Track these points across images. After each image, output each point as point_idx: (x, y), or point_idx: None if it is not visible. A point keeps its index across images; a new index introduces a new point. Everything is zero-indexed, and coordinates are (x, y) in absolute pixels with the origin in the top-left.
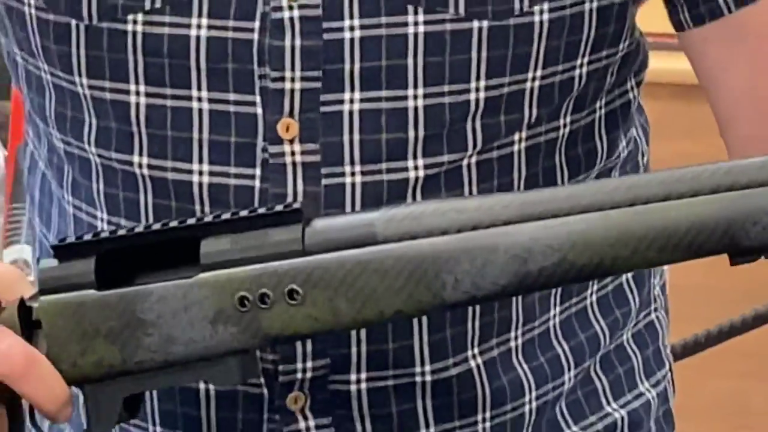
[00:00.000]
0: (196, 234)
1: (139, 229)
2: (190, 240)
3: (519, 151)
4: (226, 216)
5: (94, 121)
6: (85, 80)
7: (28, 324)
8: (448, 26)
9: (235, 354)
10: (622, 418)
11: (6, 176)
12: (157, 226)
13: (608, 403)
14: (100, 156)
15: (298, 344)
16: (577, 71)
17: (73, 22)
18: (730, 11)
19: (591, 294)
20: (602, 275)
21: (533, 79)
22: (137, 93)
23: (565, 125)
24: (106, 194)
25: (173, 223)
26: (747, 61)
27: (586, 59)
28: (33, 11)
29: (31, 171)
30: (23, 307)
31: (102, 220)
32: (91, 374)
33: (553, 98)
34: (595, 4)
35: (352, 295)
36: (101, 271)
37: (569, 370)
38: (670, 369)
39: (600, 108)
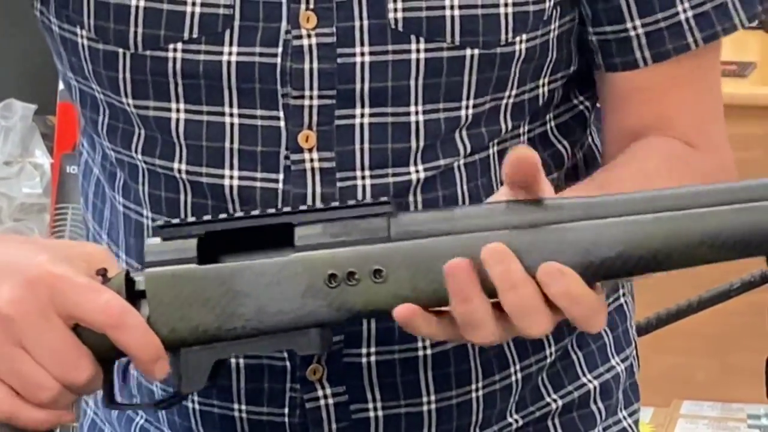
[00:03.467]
0: (291, 221)
1: (238, 214)
2: (284, 226)
3: (493, 155)
4: (319, 206)
5: (142, 132)
6: (131, 100)
7: (131, 293)
8: (445, 54)
9: (319, 326)
10: (595, 388)
11: (52, 181)
12: (254, 213)
13: (584, 374)
14: (146, 162)
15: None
16: (541, 90)
17: (120, 50)
18: (646, 63)
19: None
20: (656, 269)
21: (509, 96)
22: (177, 110)
23: (523, 133)
24: (151, 194)
25: (270, 210)
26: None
27: (547, 79)
28: (85, 42)
29: (85, 176)
30: (128, 278)
31: (147, 217)
32: (187, 339)
33: (523, 112)
34: (555, 33)
35: (431, 276)
36: (202, 249)
37: (550, 346)
38: (636, 347)
39: (550, 120)
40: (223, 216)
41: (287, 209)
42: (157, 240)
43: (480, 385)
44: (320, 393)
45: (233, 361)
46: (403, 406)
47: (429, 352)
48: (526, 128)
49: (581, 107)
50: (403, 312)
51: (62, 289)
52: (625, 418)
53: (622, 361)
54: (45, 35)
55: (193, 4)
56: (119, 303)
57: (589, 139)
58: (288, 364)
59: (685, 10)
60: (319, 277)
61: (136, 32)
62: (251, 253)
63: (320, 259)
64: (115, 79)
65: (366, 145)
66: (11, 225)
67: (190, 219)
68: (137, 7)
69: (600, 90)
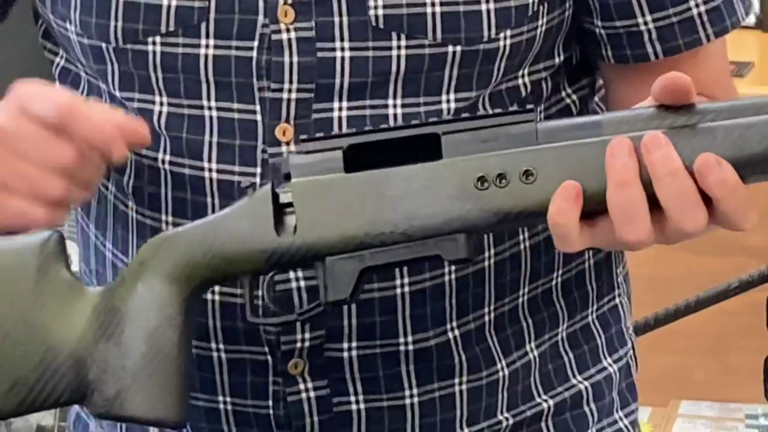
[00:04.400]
0: (436, 131)
1: (383, 126)
2: (430, 137)
3: None
4: (465, 115)
5: None
6: (118, 93)
7: (277, 206)
8: (427, 50)
9: (467, 231)
10: (587, 389)
11: None
12: (399, 125)
13: (574, 375)
14: (135, 154)
15: (296, 299)
16: (521, 80)
17: (103, 44)
18: (657, 57)
19: (556, 277)
20: None
21: (490, 89)
22: (160, 103)
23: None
24: (135, 187)
25: (414, 122)
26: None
27: (527, 70)
28: (75, 36)
29: None
30: (274, 192)
31: (132, 209)
32: (334, 247)
33: (503, 103)
34: (543, 28)
35: (583, 176)
36: (347, 161)
37: (530, 341)
38: (633, 347)
39: (540, 112)
40: (367, 128)
41: (432, 119)
42: (301, 155)
43: (464, 379)
44: (302, 387)
45: (215, 354)
46: (385, 400)
47: (411, 347)
48: None
49: (568, 101)
50: (566, 191)
51: (24, 97)
52: (621, 418)
53: (615, 362)
54: (45, 33)
55: None
56: (66, 95)
57: None
58: (269, 358)
59: (697, 5)
60: (469, 180)
61: (116, 26)
62: (400, 164)
63: (470, 163)
64: (104, 72)
65: None
66: None
67: (334, 132)
68: (117, 1)
69: (609, 74)
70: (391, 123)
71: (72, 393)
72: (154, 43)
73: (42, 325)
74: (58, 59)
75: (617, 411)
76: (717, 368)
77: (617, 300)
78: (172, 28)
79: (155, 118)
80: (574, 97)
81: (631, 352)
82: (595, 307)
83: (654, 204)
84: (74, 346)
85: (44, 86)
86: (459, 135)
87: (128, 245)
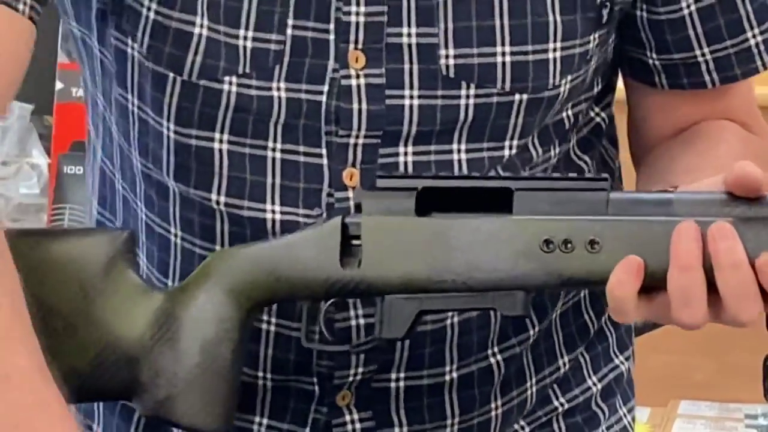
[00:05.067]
0: (510, 186)
1: (457, 173)
2: (503, 190)
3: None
4: (540, 174)
5: (172, 159)
6: (172, 125)
7: (345, 237)
8: (495, 99)
9: (527, 290)
10: (599, 389)
11: (49, 181)
12: (474, 175)
13: (589, 376)
14: (178, 187)
15: (353, 355)
16: (565, 113)
17: (171, 75)
18: (714, 85)
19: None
20: None
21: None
22: (220, 141)
23: (553, 157)
24: (182, 215)
25: (490, 173)
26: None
27: (571, 103)
28: (136, 54)
29: (93, 166)
30: (343, 223)
31: (176, 235)
32: (395, 286)
33: (550, 137)
34: (593, 68)
35: (647, 254)
36: (418, 202)
37: (562, 356)
38: (633, 343)
39: (572, 138)
40: (442, 173)
41: (507, 174)
42: (374, 193)
43: (500, 402)
44: (348, 418)
45: (261, 382)
46: (428, 429)
47: (455, 375)
48: (557, 150)
49: (598, 119)
50: (627, 265)
51: None
52: (625, 415)
53: (626, 359)
54: (70, 32)
55: (245, 38)
56: None
57: (600, 147)
58: (317, 388)
59: (754, 36)
60: (535, 241)
61: (194, 60)
62: (467, 213)
63: (538, 224)
64: (159, 101)
65: None
66: (9, 225)
67: (409, 173)
68: (200, 36)
69: (641, 96)
70: (456, 168)
71: (122, 390)
72: (230, 83)
73: (102, 320)
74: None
75: (621, 407)
76: (716, 368)
77: None
78: (248, 70)
79: (216, 156)
80: (603, 114)
81: (632, 348)
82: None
83: (712, 289)
84: (131, 346)
85: None
86: (531, 193)
87: (167, 267)
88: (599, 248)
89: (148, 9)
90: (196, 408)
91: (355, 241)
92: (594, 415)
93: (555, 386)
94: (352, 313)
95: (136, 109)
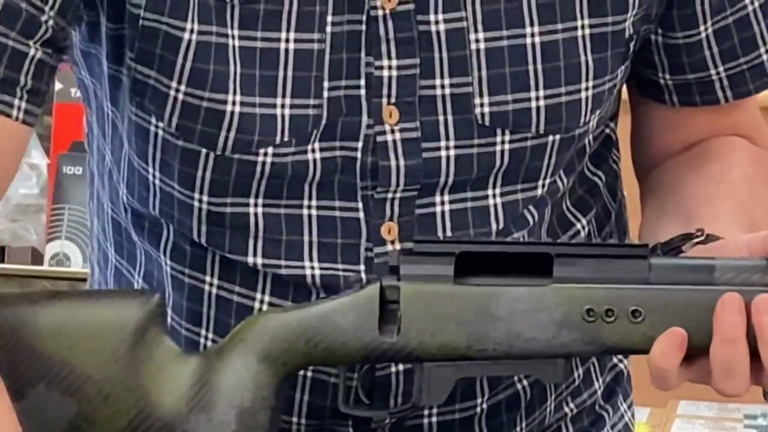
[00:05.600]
0: (549, 251)
1: (495, 239)
2: (543, 257)
3: (550, 211)
4: (580, 241)
5: (204, 228)
6: (205, 197)
7: (384, 302)
8: (529, 142)
9: (567, 357)
10: (603, 389)
11: (49, 181)
12: (513, 241)
13: (596, 379)
14: (213, 250)
15: (391, 400)
16: (586, 139)
17: (204, 150)
18: (727, 101)
19: None
20: None
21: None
22: (255, 205)
23: (571, 182)
24: (222, 267)
25: (530, 239)
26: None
27: (592, 134)
28: (160, 132)
29: (99, 200)
30: (382, 289)
31: (212, 285)
32: (435, 354)
33: (573, 167)
34: (614, 95)
35: (689, 324)
36: (458, 268)
37: (577, 368)
38: None
39: (586, 156)
40: (482, 238)
41: (547, 240)
42: (414, 256)
43: (524, 425)
44: None
45: (295, 427)
46: None
47: (485, 406)
48: (575, 177)
49: (607, 130)
50: (671, 337)
51: None
52: (625, 411)
53: (625, 357)
54: (82, 82)
55: (283, 106)
56: None
57: (610, 160)
58: (351, 430)
59: (767, 51)
60: (577, 311)
61: (227, 137)
62: (505, 279)
63: (579, 292)
64: (191, 176)
65: (448, 233)
66: (8, 226)
67: (449, 237)
68: (232, 113)
69: (647, 112)
70: (492, 213)
71: None
72: (265, 154)
73: (136, 387)
74: (150, 126)
75: (621, 404)
76: None
77: None
78: (286, 139)
79: (251, 221)
80: (611, 125)
81: None
82: None
83: (755, 356)
84: (166, 412)
85: None
86: (571, 259)
87: (201, 317)
88: (641, 318)
89: (177, 90)
90: None
91: (392, 305)
92: (599, 417)
93: (563, 394)
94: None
95: (158, 182)
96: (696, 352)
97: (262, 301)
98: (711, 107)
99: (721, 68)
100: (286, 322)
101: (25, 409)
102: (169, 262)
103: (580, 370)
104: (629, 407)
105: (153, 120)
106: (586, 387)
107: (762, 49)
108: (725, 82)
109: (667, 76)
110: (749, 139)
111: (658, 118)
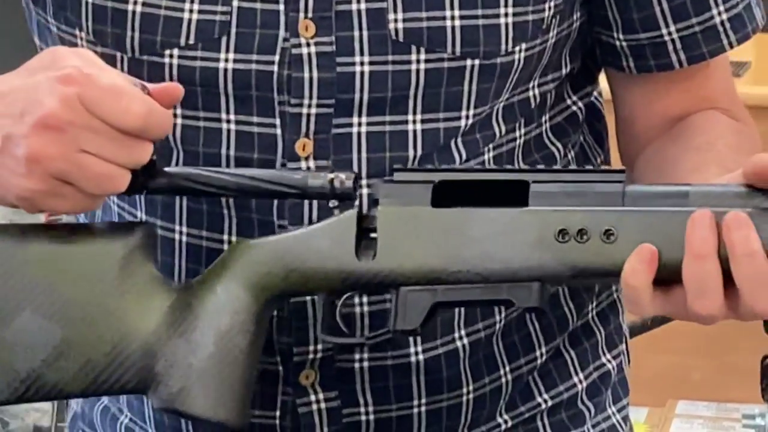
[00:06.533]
0: (526, 178)
1: (474, 167)
2: (519, 183)
3: (488, 161)
4: (556, 167)
5: None
6: None
7: (361, 227)
8: (446, 64)
9: (542, 281)
10: (584, 387)
11: None
12: (490, 168)
13: (576, 373)
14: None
15: (311, 329)
16: (531, 92)
17: (118, 54)
18: (681, 65)
19: None
20: None
21: (502, 101)
22: (175, 115)
23: (519, 137)
24: (147, 198)
25: (507, 166)
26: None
27: (537, 82)
28: (84, 44)
29: None
30: (360, 213)
31: (140, 218)
32: (411, 277)
33: (514, 115)
34: (552, 41)
35: (662, 244)
36: (435, 195)
37: (540, 346)
38: (626, 342)
39: (545, 122)
40: (459, 167)
41: (523, 167)
42: (391, 184)
43: (471, 388)
44: (312, 398)
45: None
46: (394, 410)
47: (421, 357)
48: (522, 131)
49: (574, 108)
50: (641, 253)
51: (88, 92)
52: (614, 413)
53: (614, 358)
54: (42, 34)
55: (191, 11)
56: (141, 107)
57: (581, 138)
58: (281, 368)
59: (720, 13)
60: (550, 232)
61: (132, 36)
62: (485, 205)
63: (553, 214)
64: None
65: (363, 154)
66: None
67: (427, 166)
68: (134, 12)
69: (621, 83)
70: (410, 138)
71: (137, 382)
72: (171, 56)
73: (119, 313)
74: None
75: (610, 406)
76: (714, 368)
77: (615, 295)
78: (191, 41)
79: (174, 130)
80: (580, 104)
81: (625, 347)
82: (594, 303)
83: (729, 281)
84: (147, 338)
85: (101, 73)
86: (547, 185)
87: None
88: (614, 238)
89: None
90: (210, 400)
91: (371, 234)
92: (579, 412)
93: (536, 378)
94: (356, 300)
95: None
96: (669, 275)
97: (181, 233)
98: (679, 78)
99: (672, 28)
100: (266, 248)
101: (10, 336)
102: (117, 201)
103: (543, 349)
104: (620, 410)
105: (77, 32)
106: (562, 379)
107: (714, 11)
108: (678, 44)
109: (621, 36)
110: (727, 113)
111: (633, 95)
